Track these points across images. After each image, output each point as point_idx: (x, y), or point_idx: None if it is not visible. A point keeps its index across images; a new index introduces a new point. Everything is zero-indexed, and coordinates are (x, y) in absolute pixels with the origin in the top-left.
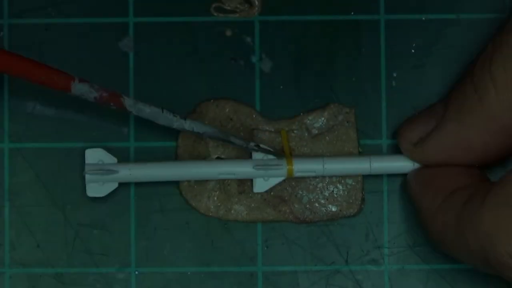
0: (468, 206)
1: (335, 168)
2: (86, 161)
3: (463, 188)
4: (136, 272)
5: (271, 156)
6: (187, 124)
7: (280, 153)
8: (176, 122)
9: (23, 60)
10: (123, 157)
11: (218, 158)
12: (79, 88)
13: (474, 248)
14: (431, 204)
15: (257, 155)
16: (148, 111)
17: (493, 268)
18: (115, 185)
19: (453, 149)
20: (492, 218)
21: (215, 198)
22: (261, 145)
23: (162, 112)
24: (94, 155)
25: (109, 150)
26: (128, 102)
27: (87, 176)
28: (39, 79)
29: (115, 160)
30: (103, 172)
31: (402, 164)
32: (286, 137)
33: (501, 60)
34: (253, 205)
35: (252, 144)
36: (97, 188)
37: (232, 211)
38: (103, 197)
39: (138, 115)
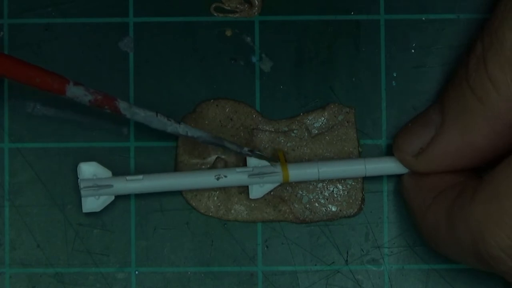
0: (458, 201)
1: (329, 171)
2: (80, 177)
3: (454, 186)
4: (136, 272)
5: (265, 163)
6: (181, 129)
7: (274, 159)
8: (170, 126)
9: (18, 63)
10: (123, 158)
11: (218, 158)
12: (73, 91)
13: (465, 244)
14: (422, 203)
15: (251, 162)
16: (142, 115)
17: (485, 263)
18: (112, 198)
19: (458, 154)
20: (482, 211)
21: (215, 198)
22: (255, 151)
23: (157, 116)
24: (88, 170)
25: (109, 150)
26: (123, 106)
27: (83, 193)
28: (34, 81)
29: (109, 173)
30: (99, 187)
31: (397, 166)
32: (284, 157)
33: (496, 60)
34: (253, 205)
35: (246, 149)
36: (93, 202)
37: (232, 211)
38: None
39: (132, 118)
